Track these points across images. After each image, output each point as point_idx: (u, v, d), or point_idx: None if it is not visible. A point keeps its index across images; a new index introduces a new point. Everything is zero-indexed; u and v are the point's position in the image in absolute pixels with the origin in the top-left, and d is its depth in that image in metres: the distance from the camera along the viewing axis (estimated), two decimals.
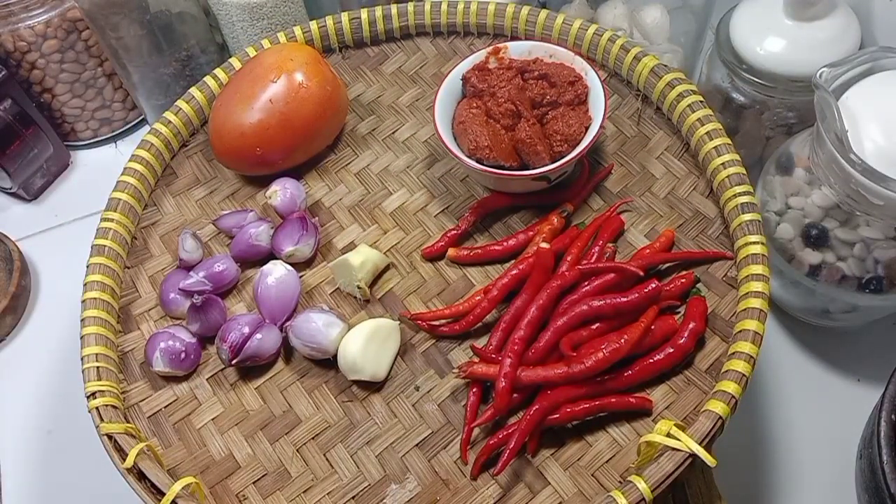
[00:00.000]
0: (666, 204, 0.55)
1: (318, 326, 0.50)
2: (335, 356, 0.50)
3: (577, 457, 0.47)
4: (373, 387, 0.50)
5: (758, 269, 0.48)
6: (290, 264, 0.54)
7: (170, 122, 0.61)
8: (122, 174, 0.59)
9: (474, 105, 0.55)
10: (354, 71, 0.65)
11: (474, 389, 0.48)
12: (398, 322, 0.51)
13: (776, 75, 0.61)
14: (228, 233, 0.57)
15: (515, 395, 0.47)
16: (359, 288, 0.53)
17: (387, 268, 0.55)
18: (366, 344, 0.49)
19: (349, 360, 0.49)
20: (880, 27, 0.63)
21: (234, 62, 0.62)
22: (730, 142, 0.53)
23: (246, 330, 0.50)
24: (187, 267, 0.55)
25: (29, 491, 0.64)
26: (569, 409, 0.46)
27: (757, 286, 0.47)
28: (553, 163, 0.53)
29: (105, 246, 0.55)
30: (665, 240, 0.53)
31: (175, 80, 0.76)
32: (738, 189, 0.51)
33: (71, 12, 0.73)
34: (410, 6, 0.64)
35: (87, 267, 0.54)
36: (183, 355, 0.51)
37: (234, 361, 0.50)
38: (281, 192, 0.57)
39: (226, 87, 0.59)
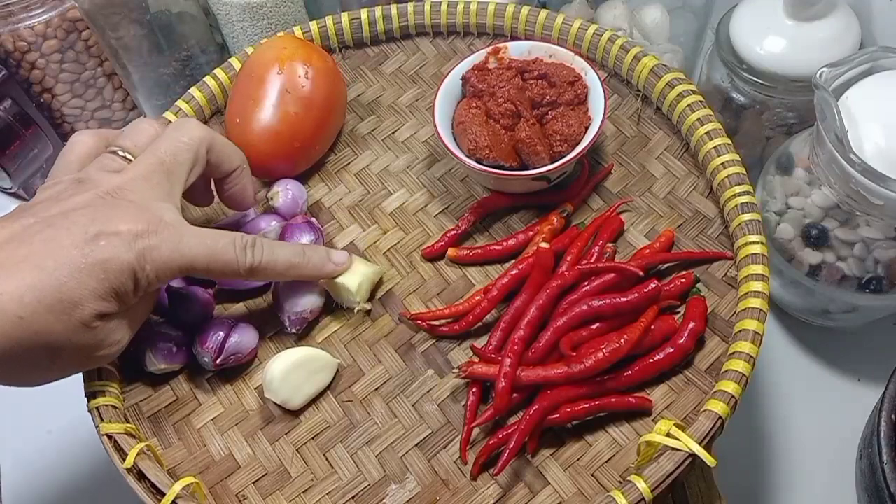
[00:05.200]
0: (666, 204, 0.55)
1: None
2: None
3: (577, 457, 0.47)
4: (373, 387, 0.50)
5: (758, 268, 0.48)
6: None
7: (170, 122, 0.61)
8: None
9: (474, 105, 0.55)
10: (354, 71, 0.65)
11: (474, 389, 0.48)
12: (337, 360, 0.51)
13: (776, 75, 0.61)
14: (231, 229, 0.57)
15: (515, 395, 0.47)
16: (358, 304, 0.52)
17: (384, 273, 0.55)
18: (290, 369, 0.49)
19: (267, 377, 0.49)
20: (880, 27, 0.63)
21: (234, 62, 0.62)
22: (730, 142, 0.53)
23: (221, 335, 0.50)
24: None
25: (29, 491, 0.64)
26: (569, 409, 0.46)
27: (757, 286, 0.47)
28: (553, 163, 0.53)
29: None
30: (665, 240, 0.53)
31: (175, 80, 0.76)
32: (738, 189, 0.51)
33: (71, 12, 0.73)
34: (410, 6, 0.64)
35: None
36: (174, 349, 0.51)
37: (218, 361, 0.50)
38: (283, 192, 0.57)
39: (233, 101, 0.58)
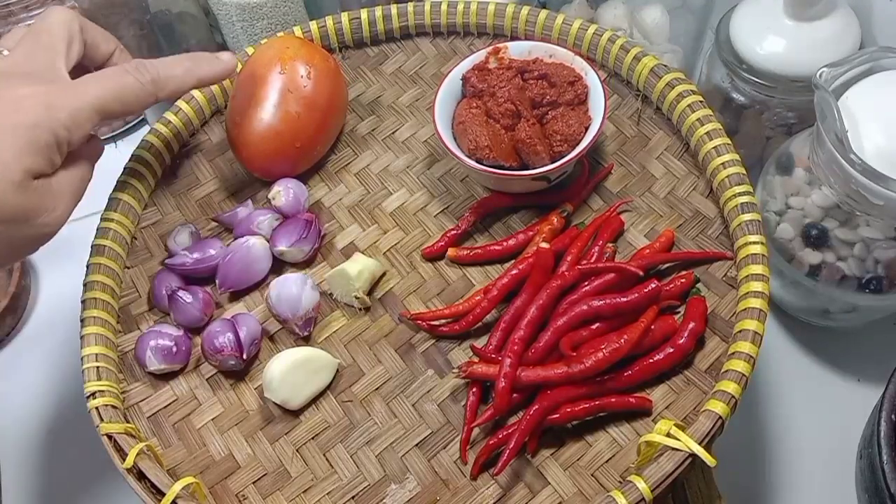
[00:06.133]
0: (666, 204, 0.55)
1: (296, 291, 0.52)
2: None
3: (577, 457, 0.47)
4: (373, 387, 0.50)
5: (758, 269, 0.48)
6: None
7: (170, 122, 0.61)
8: (122, 174, 0.59)
9: (474, 105, 0.55)
10: (354, 71, 0.65)
11: (474, 389, 0.48)
12: (337, 360, 0.51)
13: (776, 75, 0.61)
14: (229, 225, 0.57)
15: (515, 395, 0.47)
16: (357, 298, 0.52)
17: (384, 273, 0.55)
18: (290, 369, 0.49)
19: (267, 377, 0.49)
20: (880, 27, 0.63)
21: None
22: (730, 142, 0.53)
23: (230, 335, 0.50)
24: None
25: (29, 491, 0.64)
26: (569, 409, 0.46)
27: (757, 286, 0.47)
28: (553, 163, 0.53)
29: (105, 246, 0.55)
30: (665, 240, 0.53)
31: None
32: (738, 189, 0.51)
33: None
34: (410, 6, 0.64)
35: (87, 267, 0.54)
36: (175, 349, 0.51)
37: (245, 357, 0.50)
38: (284, 192, 0.57)
39: (234, 100, 0.58)
